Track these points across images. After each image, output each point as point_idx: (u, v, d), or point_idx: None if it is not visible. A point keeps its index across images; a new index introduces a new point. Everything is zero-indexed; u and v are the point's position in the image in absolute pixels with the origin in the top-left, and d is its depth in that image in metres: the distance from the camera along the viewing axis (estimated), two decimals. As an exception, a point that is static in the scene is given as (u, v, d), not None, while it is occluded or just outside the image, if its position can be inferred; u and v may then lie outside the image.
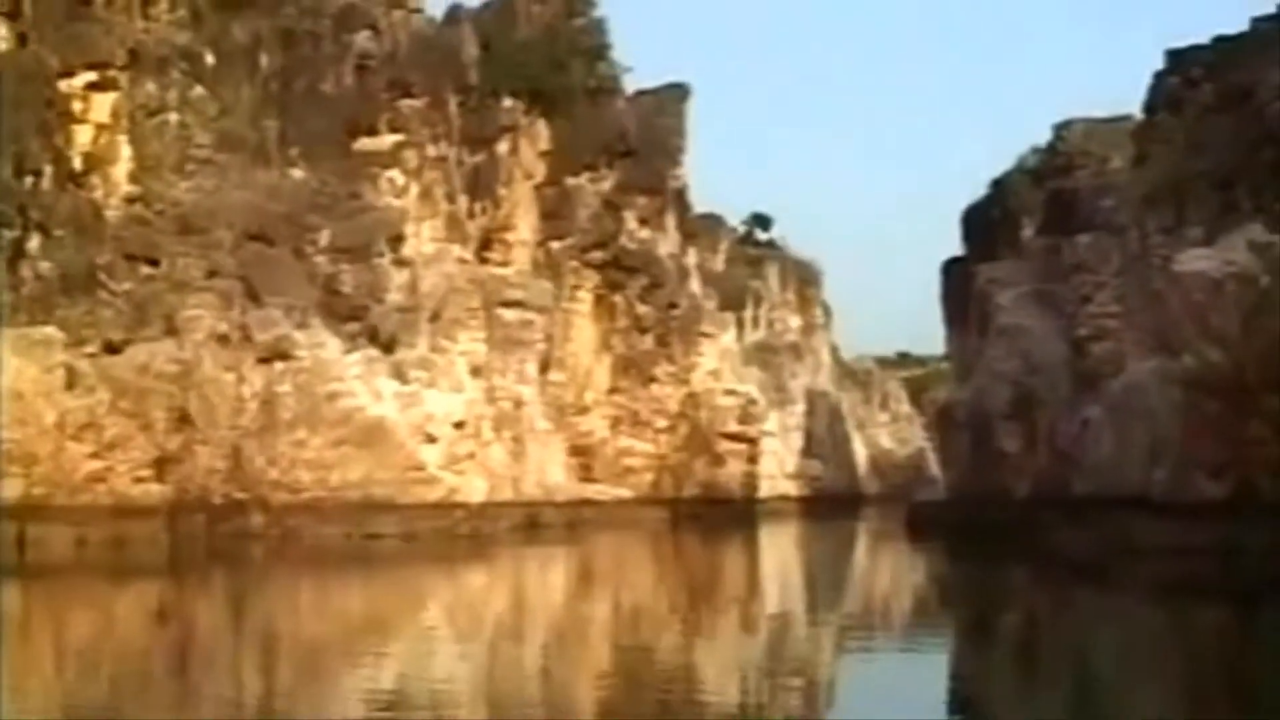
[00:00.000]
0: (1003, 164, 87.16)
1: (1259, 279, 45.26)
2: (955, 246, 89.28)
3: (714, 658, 25.98)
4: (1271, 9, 53.59)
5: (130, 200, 63.76)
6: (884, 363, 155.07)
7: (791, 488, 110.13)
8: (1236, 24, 57.18)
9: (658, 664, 25.06)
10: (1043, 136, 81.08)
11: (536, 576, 49.85)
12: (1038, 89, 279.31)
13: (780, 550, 66.22)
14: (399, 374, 64.02)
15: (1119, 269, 54.97)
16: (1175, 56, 57.21)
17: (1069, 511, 54.38)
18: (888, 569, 54.19)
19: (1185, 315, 45.99)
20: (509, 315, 72.84)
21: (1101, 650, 28.35)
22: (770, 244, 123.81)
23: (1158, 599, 39.53)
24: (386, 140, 69.83)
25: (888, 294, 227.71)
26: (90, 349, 59.00)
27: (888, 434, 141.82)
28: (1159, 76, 58.27)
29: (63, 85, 63.45)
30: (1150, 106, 58.30)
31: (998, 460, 63.19)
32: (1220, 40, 55.12)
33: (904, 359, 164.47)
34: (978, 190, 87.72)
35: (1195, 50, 56.14)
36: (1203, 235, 49.09)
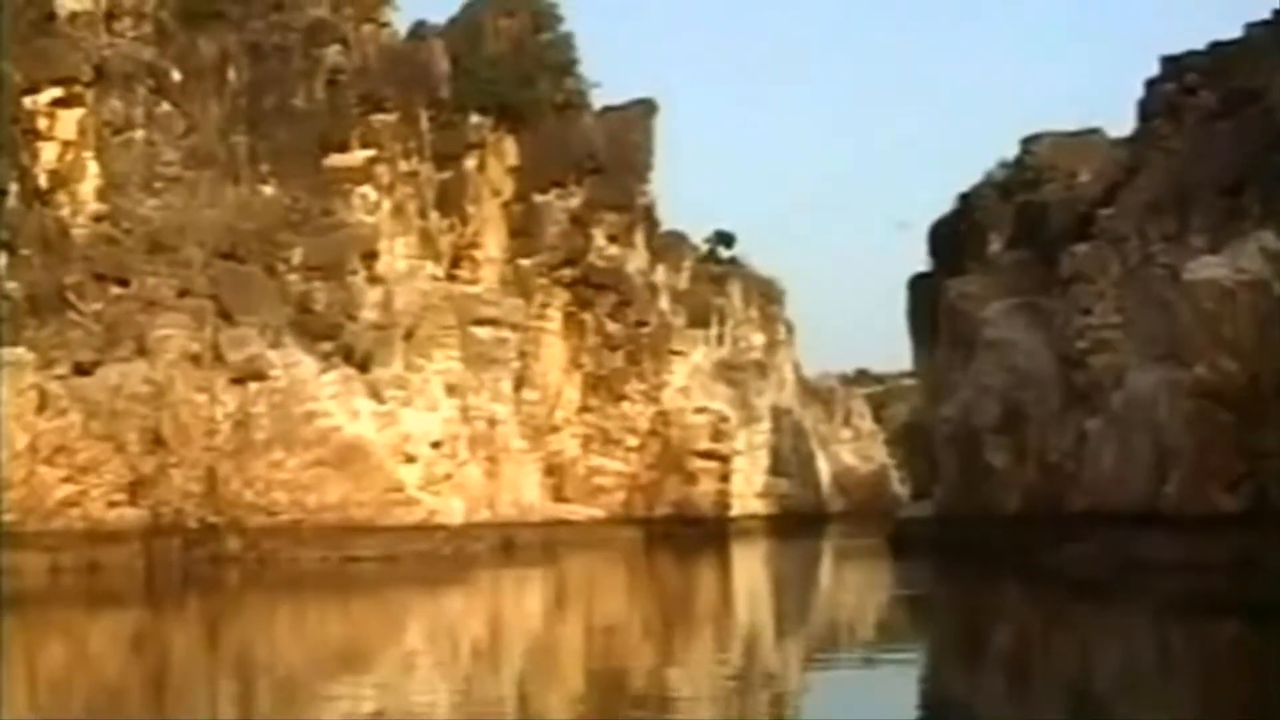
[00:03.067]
0: (959, 181, 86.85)
1: (1272, 286, 44.52)
2: (914, 264, 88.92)
3: (724, 698, 24.40)
4: (1265, 14, 53.08)
5: (98, 219, 62.39)
6: (844, 380, 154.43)
7: (760, 506, 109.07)
8: (1200, 35, 56.75)
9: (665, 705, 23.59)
10: (1006, 151, 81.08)
11: (520, 600, 48.91)
12: (1001, 104, 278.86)
13: (761, 571, 65.42)
14: (375, 393, 62.90)
15: (1118, 279, 54.18)
16: (1171, 63, 56.63)
17: (1064, 527, 53.48)
18: (882, 589, 53.12)
19: (1196, 324, 45.17)
20: (482, 333, 71.82)
21: (1116, 669, 27.39)
22: (733, 261, 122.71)
23: (1170, 615, 38.57)
24: (358, 156, 68.60)
25: (845, 312, 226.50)
26: (60, 370, 57.57)
27: (850, 451, 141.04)
28: (1152, 84, 57.67)
29: (28, 102, 61.98)
30: (1145, 114, 57.64)
31: (986, 476, 62.31)
32: (1217, 46, 54.59)
33: (862, 376, 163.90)
34: (933, 207, 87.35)
35: (1192, 56, 55.56)
36: (1207, 243, 48.34)
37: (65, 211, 61.94)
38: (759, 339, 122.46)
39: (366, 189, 68.39)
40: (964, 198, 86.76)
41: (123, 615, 42.38)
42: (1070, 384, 58.09)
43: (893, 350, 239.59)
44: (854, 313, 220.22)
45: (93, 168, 63.05)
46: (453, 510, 63.66)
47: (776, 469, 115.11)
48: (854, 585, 55.89)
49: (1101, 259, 54.98)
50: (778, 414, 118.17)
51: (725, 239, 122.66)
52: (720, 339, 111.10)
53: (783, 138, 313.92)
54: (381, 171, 69.17)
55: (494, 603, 47.25)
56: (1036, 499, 59.10)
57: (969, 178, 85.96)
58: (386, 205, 69.06)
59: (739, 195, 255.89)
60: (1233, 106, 50.58)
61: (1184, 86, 54.88)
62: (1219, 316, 44.60)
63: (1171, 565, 44.06)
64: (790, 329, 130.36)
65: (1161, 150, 54.54)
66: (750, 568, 67.42)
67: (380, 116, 69.67)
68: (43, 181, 61.92)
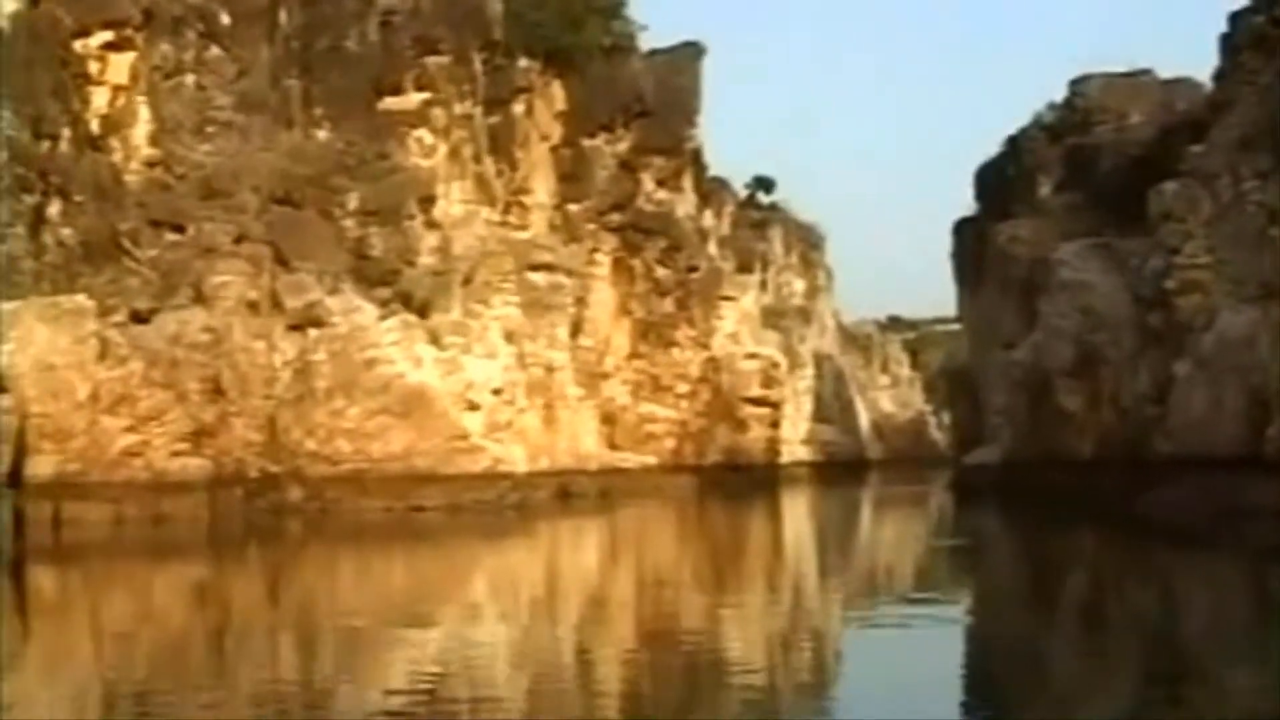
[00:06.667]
0: (1006, 124, 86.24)
1: (1381, 223, 43.27)
2: (948, 208, 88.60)
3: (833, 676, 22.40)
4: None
5: (151, 164, 61.51)
6: (878, 327, 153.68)
7: (805, 453, 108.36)
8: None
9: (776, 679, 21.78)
10: (1054, 93, 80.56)
11: (580, 551, 47.85)
12: (1048, 47, 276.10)
13: (821, 520, 64.35)
14: (435, 340, 61.92)
15: (1208, 218, 52.84)
16: (1259, -5, 55.31)
17: (1147, 473, 52.27)
18: (955, 537, 52.03)
19: (1303, 262, 43.98)
20: (538, 279, 70.60)
21: (1216, 618, 26.46)
22: (773, 207, 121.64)
23: (1273, 563, 37.42)
24: (413, 99, 67.45)
25: (877, 257, 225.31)
26: (117, 318, 56.60)
27: (888, 398, 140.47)
28: (1237, 17, 56.24)
29: (78, 46, 60.96)
30: (1232, 47, 56.21)
31: (1057, 420, 61.15)
32: (1310, -24, 53.27)
33: (896, 322, 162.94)
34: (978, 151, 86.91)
35: (1282, -13, 54.21)
36: (1304, 180, 47.12)
37: (118, 157, 61.08)
38: (800, 285, 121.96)
39: (422, 132, 67.29)
40: (1011, 141, 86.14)
41: (186, 567, 41.55)
42: (1147, 326, 56.94)
43: (926, 295, 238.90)
44: (886, 258, 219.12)
45: (144, 113, 62.08)
46: (515, 458, 62.73)
47: (820, 416, 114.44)
48: (922, 534, 54.76)
49: (1191, 197, 53.64)
50: (819, 360, 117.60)
51: (765, 184, 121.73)
52: (764, 285, 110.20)
53: (817, 82, 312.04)
54: (437, 115, 68.01)
55: (556, 554, 46.56)
56: (1112, 444, 58.04)
57: (1016, 121, 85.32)
58: (442, 149, 67.93)
59: (762, 140, 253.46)
60: (1332, 37, 49.31)
61: (1274, 19, 53.51)
62: (1325, 254, 43.41)
63: (1274, 512, 42.81)
64: (830, 275, 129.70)
65: (1251, 85, 53.19)
66: (810, 516, 66.60)
67: (434, 59, 68.46)
68: (94, 127, 60.95)
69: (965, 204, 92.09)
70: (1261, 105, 51.46)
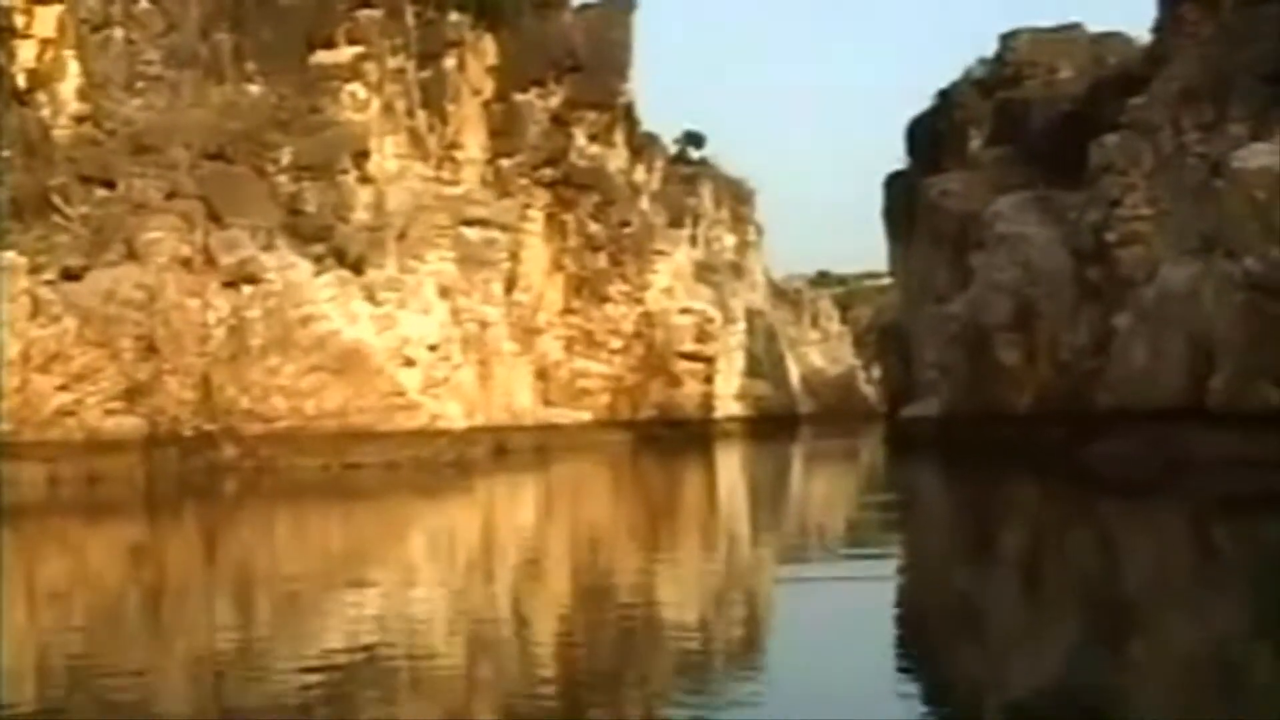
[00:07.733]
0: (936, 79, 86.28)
1: (1327, 175, 43.19)
2: (877, 163, 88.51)
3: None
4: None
5: (80, 119, 60.72)
6: (807, 282, 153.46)
7: (737, 408, 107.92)
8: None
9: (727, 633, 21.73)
10: (985, 48, 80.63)
11: (516, 508, 47.34)
12: (967, 6, 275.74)
13: (759, 476, 63.85)
14: (370, 296, 61.40)
15: (1150, 170, 52.68)
16: (1203, -55, 55.08)
17: (1088, 425, 52.30)
18: (897, 491, 51.64)
19: (1247, 214, 43.83)
20: (471, 234, 70.05)
21: (1188, 569, 26.51)
22: (703, 162, 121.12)
23: (1220, 513, 37.31)
24: (346, 53, 66.88)
25: (805, 213, 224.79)
26: (49, 275, 55.86)
27: (819, 353, 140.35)
28: (1176, -30, 56.19)
29: (4, -2, 60.12)
30: (1172, 0, 56.03)
31: (996, 374, 61.10)
32: (1247, -71, 53.02)
33: (825, 278, 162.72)
34: (897, 109, 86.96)
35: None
36: (1248, 131, 46.94)
37: (46, 112, 60.29)
38: (730, 240, 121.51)
39: (355, 87, 66.75)
40: (943, 95, 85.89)
41: (122, 527, 41.24)
42: (1085, 279, 56.89)
43: (855, 250, 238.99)
44: (815, 213, 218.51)
45: (73, 67, 61.25)
46: (452, 415, 62.31)
47: (751, 371, 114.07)
48: (867, 488, 54.46)
49: (1132, 150, 53.48)
50: (751, 316, 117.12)
51: (695, 139, 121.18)
52: (694, 240, 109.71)
53: (747, 35, 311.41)
54: (370, 69, 67.49)
55: (493, 511, 46.15)
56: (1050, 397, 58.06)
57: (948, 75, 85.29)
58: (376, 104, 67.43)
59: (690, 94, 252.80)
60: (1275, -8, 49.07)
61: (1216, -29, 53.37)
62: (1271, 206, 43.27)
63: (1219, 462, 42.83)
64: (760, 230, 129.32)
65: (1193, 38, 53.02)
66: (745, 471, 66.22)
67: (366, 12, 67.96)
68: (21, 81, 60.04)
69: (896, 158, 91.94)
70: (1204, 58, 51.33)
